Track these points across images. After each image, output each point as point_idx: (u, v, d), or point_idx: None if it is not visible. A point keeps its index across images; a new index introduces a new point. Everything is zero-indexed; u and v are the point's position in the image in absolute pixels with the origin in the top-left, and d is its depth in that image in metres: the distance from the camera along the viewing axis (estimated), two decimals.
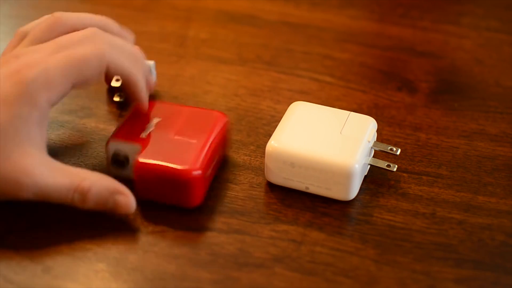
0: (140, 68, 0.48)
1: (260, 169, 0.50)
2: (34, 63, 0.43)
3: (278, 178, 0.48)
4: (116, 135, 0.47)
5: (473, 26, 0.68)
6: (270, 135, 0.49)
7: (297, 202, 0.48)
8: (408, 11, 0.70)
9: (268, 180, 0.49)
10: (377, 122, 0.50)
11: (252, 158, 0.51)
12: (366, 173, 0.50)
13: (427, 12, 0.70)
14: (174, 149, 0.46)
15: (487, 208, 0.48)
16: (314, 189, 0.47)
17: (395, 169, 0.49)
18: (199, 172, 0.45)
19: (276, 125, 0.49)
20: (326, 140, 0.48)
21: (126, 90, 0.48)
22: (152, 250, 0.44)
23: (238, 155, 0.51)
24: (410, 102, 0.58)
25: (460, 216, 0.47)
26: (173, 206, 0.47)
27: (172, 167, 0.45)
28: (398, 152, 0.49)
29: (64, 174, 0.43)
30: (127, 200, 0.44)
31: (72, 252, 0.43)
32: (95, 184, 0.43)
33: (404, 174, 0.50)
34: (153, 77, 0.57)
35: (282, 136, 0.48)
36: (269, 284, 0.42)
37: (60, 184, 0.43)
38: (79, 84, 0.44)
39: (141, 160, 0.45)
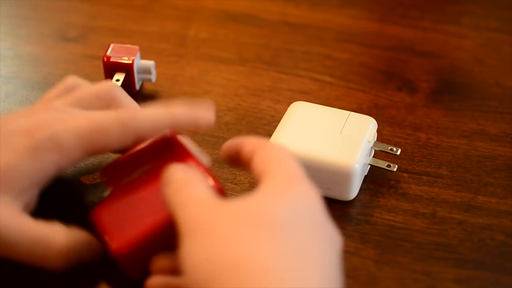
0: (175, 111, 0.44)
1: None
2: (51, 121, 0.41)
3: None
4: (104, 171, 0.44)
5: (473, 26, 0.68)
6: (270, 135, 0.49)
7: None
8: (408, 11, 0.70)
9: None
10: (377, 122, 0.50)
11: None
12: (366, 173, 0.50)
13: (427, 12, 0.70)
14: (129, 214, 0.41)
15: (487, 208, 0.48)
16: None
17: (395, 169, 0.49)
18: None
19: (276, 125, 0.49)
20: (326, 140, 0.48)
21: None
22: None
23: None
24: (410, 102, 0.58)
25: (460, 216, 0.47)
26: None
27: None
28: (398, 152, 0.49)
29: (33, 230, 0.39)
30: (99, 246, 0.41)
31: None
32: (67, 238, 0.40)
33: (404, 174, 0.50)
34: (153, 77, 0.57)
35: (282, 136, 0.48)
36: None
37: (28, 241, 0.39)
38: (94, 152, 0.42)
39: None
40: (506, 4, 0.72)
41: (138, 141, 0.43)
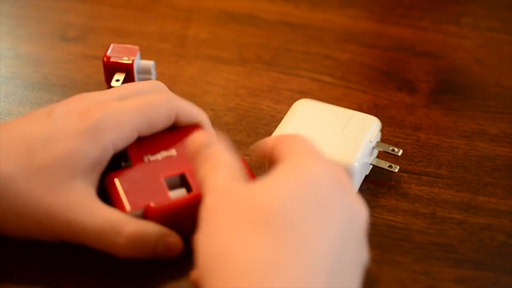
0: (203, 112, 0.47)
1: (260, 169, 0.50)
2: (103, 104, 0.43)
3: None
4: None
5: (473, 26, 0.68)
6: (270, 135, 0.49)
7: None
8: (408, 11, 0.70)
9: None
10: None
11: (252, 158, 0.51)
12: (367, 173, 0.50)
13: (427, 12, 0.70)
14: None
15: (487, 208, 0.48)
16: None
17: (396, 170, 0.49)
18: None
19: (276, 125, 0.49)
20: (327, 138, 0.48)
21: None
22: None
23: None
24: (410, 102, 0.58)
25: (460, 216, 0.47)
26: None
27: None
28: (400, 153, 0.49)
29: (107, 218, 0.40)
30: (178, 240, 0.42)
31: (72, 251, 0.43)
32: (136, 227, 0.41)
33: (404, 174, 0.50)
34: (153, 77, 0.57)
35: (284, 132, 0.48)
36: None
37: (103, 229, 0.40)
38: (145, 131, 0.44)
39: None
40: (506, 4, 0.72)
41: (175, 123, 0.45)
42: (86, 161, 0.41)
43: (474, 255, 0.44)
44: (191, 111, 0.46)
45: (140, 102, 0.44)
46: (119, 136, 0.42)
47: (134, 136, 0.43)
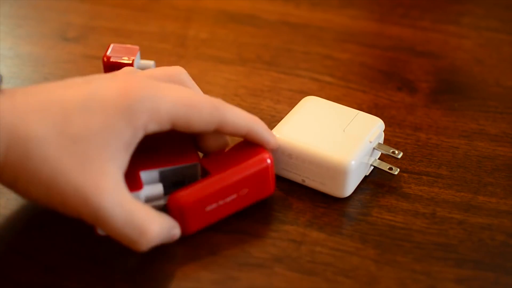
0: (257, 120, 0.46)
1: None
2: (147, 84, 0.41)
3: (277, 168, 0.49)
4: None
5: (473, 26, 0.68)
6: None
7: (297, 202, 0.48)
8: (408, 11, 0.70)
9: None
10: None
11: None
12: (367, 174, 0.50)
13: (427, 12, 0.70)
14: None
15: (487, 208, 0.48)
16: (309, 182, 0.48)
17: (396, 173, 0.49)
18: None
19: (276, 125, 0.49)
20: (327, 136, 0.48)
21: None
22: (152, 250, 0.44)
23: None
24: (410, 102, 0.58)
25: (460, 216, 0.47)
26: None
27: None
28: (400, 156, 0.49)
29: (131, 211, 0.40)
30: (179, 231, 0.43)
31: (73, 252, 0.43)
32: (160, 227, 0.41)
33: (404, 174, 0.50)
34: None
35: (285, 127, 0.48)
36: (269, 284, 0.42)
37: (126, 222, 0.40)
38: (181, 127, 0.42)
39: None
40: (506, 4, 0.72)
41: (216, 131, 0.44)
42: (118, 141, 0.40)
43: (474, 255, 0.44)
44: (236, 121, 0.44)
45: (185, 95, 0.42)
46: (153, 121, 0.41)
47: (167, 127, 0.41)
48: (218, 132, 0.44)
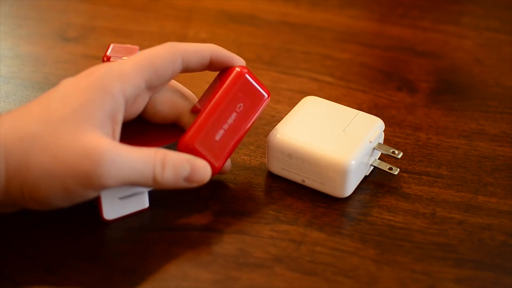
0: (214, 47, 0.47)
1: (260, 169, 0.50)
2: (104, 63, 0.44)
3: (277, 168, 0.49)
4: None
5: (473, 26, 0.68)
6: None
7: (297, 202, 0.48)
8: (408, 11, 0.70)
9: (269, 169, 0.49)
10: None
11: (252, 158, 0.51)
12: (367, 174, 0.50)
13: (427, 12, 0.70)
14: None
15: (487, 208, 0.48)
16: (309, 182, 0.48)
17: (396, 173, 0.49)
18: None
19: (276, 125, 0.49)
20: (327, 136, 0.48)
21: (215, 69, 0.48)
22: (152, 250, 0.44)
23: (238, 155, 0.51)
24: (410, 102, 0.58)
25: (460, 216, 0.47)
26: (172, 207, 0.47)
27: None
28: (400, 156, 0.49)
29: (143, 150, 0.42)
30: (204, 163, 0.44)
31: (73, 252, 0.43)
32: (176, 155, 0.43)
33: (404, 174, 0.50)
34: None
35: (285, 127, 0.48)
36: (269, 284, 0.42)
37: (140, 159, 0.41)
38: (152, 79, 0.44)
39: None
40: (506, 4, 0.72)
41: (185, 69, 0.46)
42: (101, 111, 0.42)
43: (474, 255, 0.44)
44: (197, 50, 0.46)
45: (143, 52, 0.44)
46: (126, 84, 0.43)
47: (142, 85, 0.43)
48: (186, 69, 0.46)
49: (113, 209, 0.45)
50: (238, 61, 0.47)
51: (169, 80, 0.45)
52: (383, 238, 0.45)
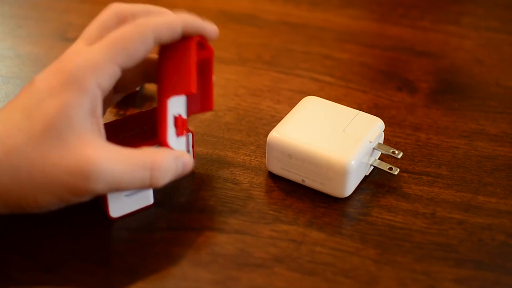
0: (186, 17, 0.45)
1: (260, 169, 0.50)
2: (75, 52, 0.42)
3: (277, 168, 0.49)
4: None
5: (473, 26, 0.68)
6: None
7: (297, 202, 0.48)
8: (408, 11, 0.70)
9: (268, 169, 0.49)
10: None
11: (252, 158, 0.51)
12: (367, 174, 0.50)
13: (427, 12, 0.70)
14: None
15: (487, 208, 0.48)
16: (309, 182, 0.48)
17: (396, 173, 0.49)
18: None
19: (276, 125, 0.49)
20: (327, 136, 0.48)
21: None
22: (152, 250, 0.44)
23: (238, 155, 0.51)
24: (410, 102, 0.58)
25: (460, 216, 0.47)
26: (173, 207, 0.47)
27: None
28: (400, 156, 0.49)
29: (133, 156, 0.42)
30: (190, 159, 0.45)
31: (73, 252, 0.43)
32: (165, 157, 0.43)
33: (404, 174, 0.50)
34: None
35: (285, 127, 0.48)
36: (269, 284, 0.42)
37: (133, 167, 0.41)
38: (126, 62, 0.42)
39: None
40: (506, 4, 0.72)
41: (157, 45, 0.44)
42: (80, 112, 0.40)
43: (474, 255, 0.44)
44: (168, 26, 0.44)
45: (111, 36, 0.42)
46: (101, 76, 0.41)
47: (117, 72, 0.42)
48: (158, 44, 0.44)
49: (119, 207, 0.45)
50: (210, 28, 0.46)
51: (142, 58, 0.43)
52: (383, 238, 0.45)
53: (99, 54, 0.41)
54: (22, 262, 0.43)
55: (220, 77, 0.60)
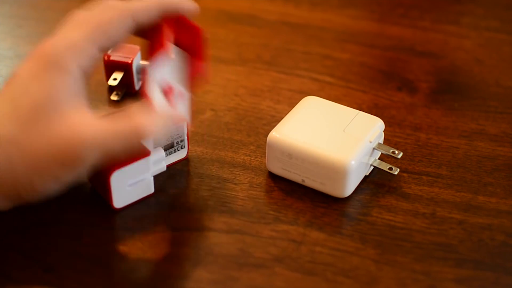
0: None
1: (260, 169, 0.50)
2: (54, 35, 0.43)
3: (277, 168, 0.49)
4: None
5: (473, 26, 0.68)
6: None
7: (297, 202, 0.48)
8: (408, 11, 0.70)
9: (269, 169, 0.49)
10: None
11: (252, 158, 0.51)
12: (367, 174, 0.50)
13: (427, 12, 0.70)
14: None
15: (487, 208, 0.48)
16: (309, 182, 0.48)
17: (396, 173, 0.49)
18: None
19: (276, 125, 0.49)
20: (327, 136, 0.48)
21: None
22: (152, 250, 0.44)
23: (238, 155, 0.51)
24: (410, 102, 0.58)
25: (460, 216, 0.47)
26: (173, 207, 0.47)
27: None
28: (400, 156, 0.49)
29: (117, 116, 0.42)
30: (180, 115, 0.46)
31: (73, 252, 0.43)
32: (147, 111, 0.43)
33: (404, 174, 0.50)
34: None
35: (285, 127, 0.48)
36: (269, 284, 0.42)
37: (117, 123, 0.41)
38: (105, 43, 0.43)
39: None
40: (506, 4, 0.72)
41: (137, 28, 0.44)
42: (64, 92, 0.41)
43: (474, 255, 0.44)
44: (147, 9, 0.44)
45: (90, 18, 0.43)
46: (81, 56, 0.42)
47: (96, 53, 0.42)
48: (139, 27, 0.44)
49: (122, 197, 0.45)
50: (188, 4, 0.46)
51: (122, 40, 0.44)
52: (383, 238, 0.45)
53: (78, 35, 0.42)
54: (22, 261, 0.43)
55: (220, 77, 0.60)
